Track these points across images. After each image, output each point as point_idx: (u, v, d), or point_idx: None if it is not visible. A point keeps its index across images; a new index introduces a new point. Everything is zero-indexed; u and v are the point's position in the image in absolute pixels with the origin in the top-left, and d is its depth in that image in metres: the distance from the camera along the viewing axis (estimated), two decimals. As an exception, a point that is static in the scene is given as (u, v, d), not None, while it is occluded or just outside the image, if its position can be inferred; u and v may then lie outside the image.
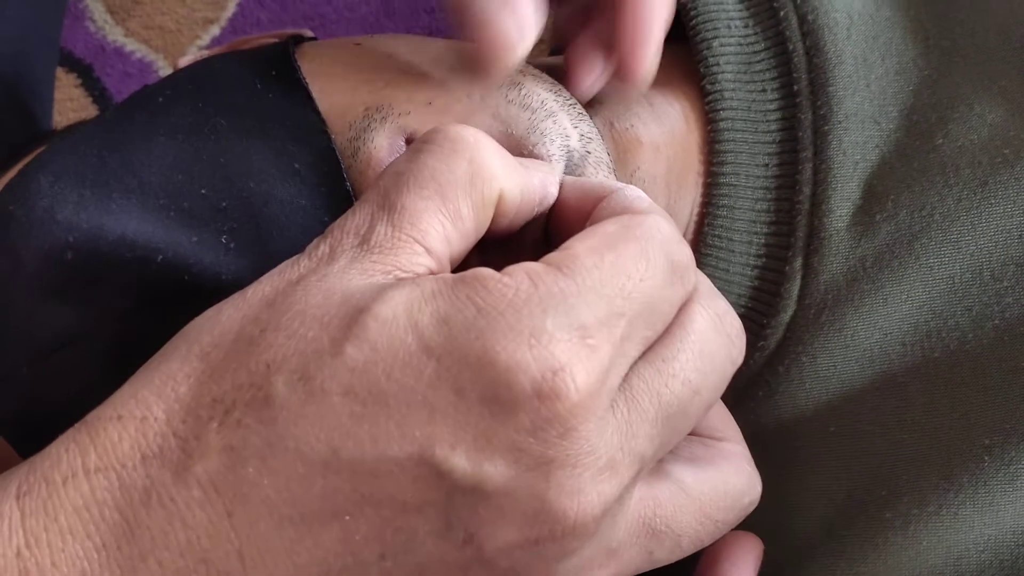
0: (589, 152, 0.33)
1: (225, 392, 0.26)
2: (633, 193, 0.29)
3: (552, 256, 0.26)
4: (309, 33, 0.43)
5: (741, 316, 0.38)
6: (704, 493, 0.29)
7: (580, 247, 0.26)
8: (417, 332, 0.25)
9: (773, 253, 0.38)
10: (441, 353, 0.25)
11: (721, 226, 0.38)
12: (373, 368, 0.25)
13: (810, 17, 0.39)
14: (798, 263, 0.37)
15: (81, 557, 0.25)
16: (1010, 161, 0.36)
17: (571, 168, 0.33)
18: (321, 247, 0.27)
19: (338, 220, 0.28)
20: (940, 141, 0.37)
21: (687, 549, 0.29)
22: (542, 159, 0.32)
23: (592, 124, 0.35)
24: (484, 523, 0.25)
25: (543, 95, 0.34)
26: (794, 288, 0.37)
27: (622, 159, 0.37)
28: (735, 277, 0.38)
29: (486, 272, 0.26)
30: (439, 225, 0.27)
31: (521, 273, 0.26)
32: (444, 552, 0.25)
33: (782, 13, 0.39)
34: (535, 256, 0.30)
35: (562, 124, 0.33)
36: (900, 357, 0.36)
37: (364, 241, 0.27)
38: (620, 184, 0.30)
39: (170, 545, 0.25)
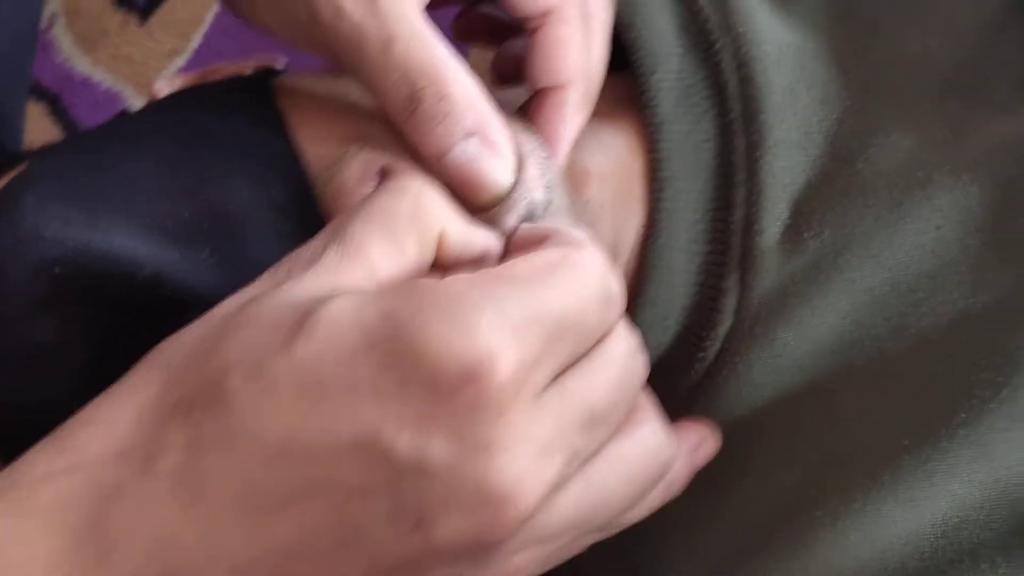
0: (551, 201, 0.35)
1: (185, 395, 0.28)
2: (577, 232, 0.31)
3: (492, 268, 0.29)
4: (281, 62, 0.44)
5: (683, 329, 0.40)
6: (627, 455, 0.31)
7: (520, 262, 0.29)
8: (362, 327, 0.27)
9: (711, 270, 0.40)
10: (387, 345, 0.26)
11: (663, 246, 0.40)
12: (321, 362, 0.27)
13: (743, 50, 0.41)
14: (733, 279, 0.39)
15: (52, 550, 0.27)
16: (922, 182, 0.38)
17: (532, 218, 0.34)
18: (280, 271, 0.30)
19: (297, 248, 0.30)
20: (860, 166, 0.39)
21: (618, 517, 0.31)
22: (502, 215, 0.34)
23: (554, 169, 0.36)
24: (431, 505, 0.26)
25: (519, 136, 0.35)
26: (731, 303, 0.39)
27: (574, 191, 0.39)
28: (677, 293, 0.40)
29: (428, 279, 0.28)
30: (381, 254, 0.30)
31: (461, 277, 0.28)
32: (395, 539, 0.27)
33: (718, 46, 0.41)
34: None
35: (529, 175, 0.34)
36: (828, 365, 0.38)
37: (313, 263, 0.29)
38: (568, 228, 0.32)
39: (137, 536, 0.27)
